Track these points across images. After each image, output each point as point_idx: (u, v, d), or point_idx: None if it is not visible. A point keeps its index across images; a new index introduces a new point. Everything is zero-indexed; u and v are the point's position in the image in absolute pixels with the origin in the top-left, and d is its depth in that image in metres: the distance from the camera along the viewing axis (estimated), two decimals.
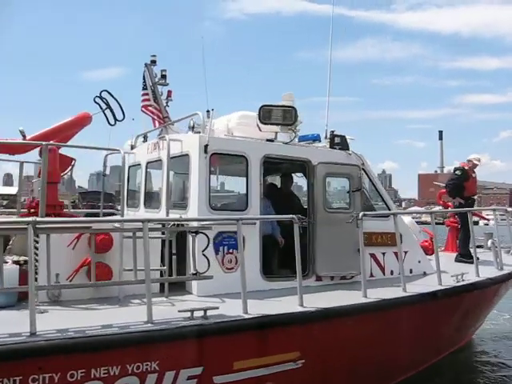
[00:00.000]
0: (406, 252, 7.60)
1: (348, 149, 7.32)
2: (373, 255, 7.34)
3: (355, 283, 6.98)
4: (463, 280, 7.19)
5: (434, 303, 6.62)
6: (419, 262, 7.78)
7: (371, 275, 7.30)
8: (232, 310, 5.20)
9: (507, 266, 8.68)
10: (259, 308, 5.37)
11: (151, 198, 7.88)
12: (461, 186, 9.74)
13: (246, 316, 5.14)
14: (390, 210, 7.60)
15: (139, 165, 8.08)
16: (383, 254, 7.41)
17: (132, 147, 8.63)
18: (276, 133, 7.06)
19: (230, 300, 5.64)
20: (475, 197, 10.26)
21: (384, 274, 7.41)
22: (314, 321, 5.51)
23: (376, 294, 6.20)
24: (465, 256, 9.27)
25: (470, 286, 7.15)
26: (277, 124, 6.92)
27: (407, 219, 9.58)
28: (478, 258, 9.36)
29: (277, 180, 8.75)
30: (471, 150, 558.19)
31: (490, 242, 8.51)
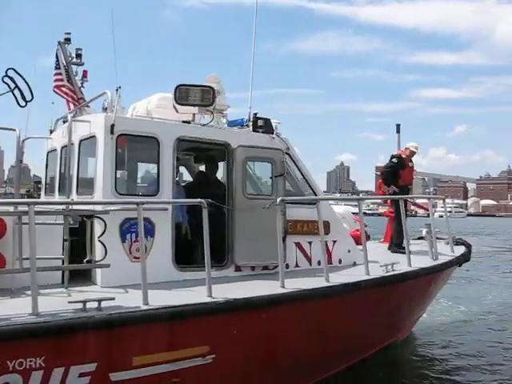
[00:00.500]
0: (334, 241, 7.33)
1: (272, 132, 6.93)
2: (298, 244, 6.99)
3: (278, 274, 6.63)
4: (393, 270, 6.92)
5: (359, 294, 6.30)
6: (349, 251, 7.49)
7: (296, 265, 6.97)
8: (132, 301, 4.78)
9: (444, 255, 8.54)
10: (165, 299, 4.98)
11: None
12: (396, 175, 9.43)
13: (145, 307, 4.72)
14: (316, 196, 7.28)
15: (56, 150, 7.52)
16: (309, 243, 7.08)
17: (51, 132, 8.11)
18: (194, 114, 6.62)
19: (134, 291, 5.16)
20: (411, 186, 10.06)
21: (311, 264, 7.07)
22: (222, 313, 5.11)
23: (295, 285, 5.85)
24: (399, 246, 9.06)
25: (399, 276, 6.87)
26: (194, 105, 6.47)
27: (341, 208, 9.35)
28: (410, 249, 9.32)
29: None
30: (427, 143, 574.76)
31: (424, 232, 8.28)
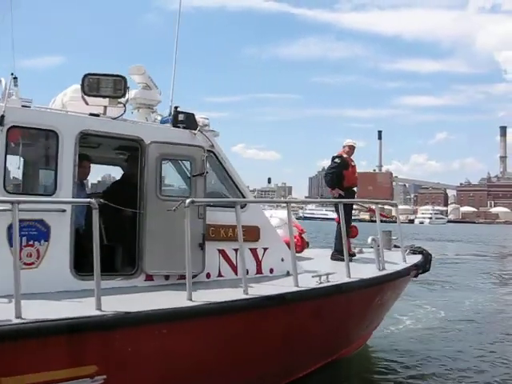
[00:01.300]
0: (265, 248, 6.73)
1: (195, 128, 6.31)
2: (222, 252, 6.36)
3: (197, 283, 6.00)
4: (328, 281, 6.32)
5: (282, 308, 5.69)
6: (282, 260, 6.84)
7: (219, 275, 6.34)
8: (6, 313, 4.14)
9: (395, 265, 7.99)
10: (46, 311, 4.36)
11: None
12: (340, 176, 8.84)
13: (17, 321, 4.08)
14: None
15: None
16: (236, 250, 6.45)
17: None
18: (105, 107, 5.97)
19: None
20: (355, 188, 9.46)
21: (236, 273, 6.45)
22: (113, 328, 4.48)
23: (207, 297, 5.23)
24: (341, 253, 8.52)
25: (333, 288, 6.24)
26: (103, 96, 5.83)
27: (278, 212, 8.75)
28: (353, 255, 8.75)
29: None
30: (408, 150, 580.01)
31: (370, 239, 7.66)
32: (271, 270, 6.74)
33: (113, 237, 5.99)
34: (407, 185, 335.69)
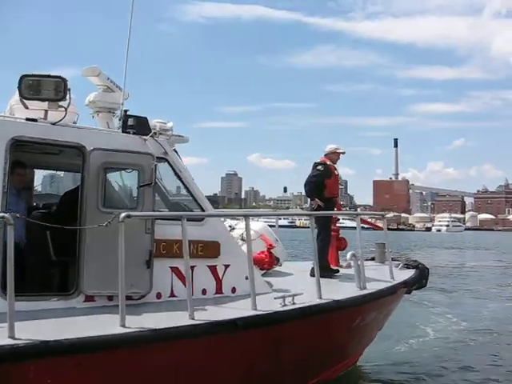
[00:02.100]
0: (226, 266, 6.12)
1: (146, 133, 5.76)
2: (175, 269, 5.77)
3: (144, 305, 5.44)
4: (293, 303, 5.69)
5: (233, 335, 5.05)
6: (247, 278, 6.22)
7: (172, 295, 5.75)
8: None
9: (380, 282, 7.33)
10: None
11: None
12: (321, 185, 8.05)
13: None
14: (204, 212, 6.08)
15: None
16: (191, 267, 5.85)
17: None
18: (46, 111, 5.47)
19: None
20: (338, 198, 8.71)
21: (192, 293, 5.85)
22: (25, 358, 3.94)
23: (145, 322, 4.66)
24: (322, 269, 7.87)
25: (297, 311, 5.58)
26: (43, 99, 5.33)
27: (259, 224, 8.12)
28: (337, 271, 8.10)
29: None
30: (425, 157, 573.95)
31: (349, 255, 6.98)
32: (233, 290, 6.12)
33: (61, 252, 5.49)
34: (424, 192, 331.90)
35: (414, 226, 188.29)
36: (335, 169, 8.32)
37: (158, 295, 5.61)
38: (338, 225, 9.58)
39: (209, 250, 5.91)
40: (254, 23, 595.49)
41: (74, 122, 6.20)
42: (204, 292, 5.92)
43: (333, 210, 8.49)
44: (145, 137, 5.70)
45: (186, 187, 6.01)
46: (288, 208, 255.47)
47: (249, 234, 5.55)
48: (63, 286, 5.49)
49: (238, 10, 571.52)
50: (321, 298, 5.99)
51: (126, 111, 5.81)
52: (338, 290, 6.68)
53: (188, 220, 5.83)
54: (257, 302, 5.51)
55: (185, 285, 5.75)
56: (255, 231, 7.75)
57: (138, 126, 5.74)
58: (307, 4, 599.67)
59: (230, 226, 8.07)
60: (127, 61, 6.08)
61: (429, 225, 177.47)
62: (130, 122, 5.71)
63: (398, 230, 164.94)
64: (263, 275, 7.53)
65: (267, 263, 6.43)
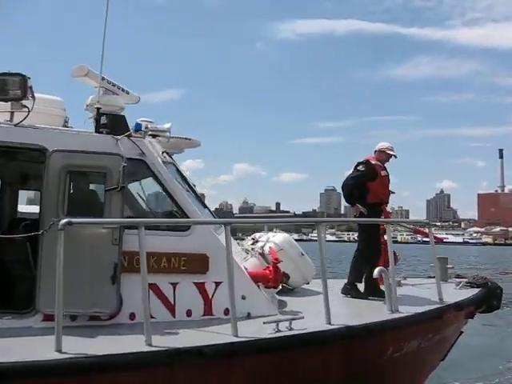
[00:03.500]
0: (217, 283, 5.24)
1: (123, 133, 5.14)
2: (153, 287, 4.99)
3: (113, 327, 4.74)
4: (290, 329, 4.67)
5: (196, 366, 4.19)
6: (243, 298, 5.27)
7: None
8: None
9: (426, 304, 6.05)
10: None
11: None
12: (364, 188, 6.84)
13: None
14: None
15: None
16: (173, 284, 5.08)
17: None
18: (11, 113, 5.06)
19: None
20: (388, 205, 7.38)
21: (174, 314, 5.05)
22: None
23: (87, 348, 3.97)
24: (355, 287, 6.67)
25: (289, 339, 4.54)
26: (5, 100, 4.91)
27: (280, 236, 7.12)
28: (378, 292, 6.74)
29: None
30: None
31: (376, 271, 5.75)
32: (226, 311, 5.21)
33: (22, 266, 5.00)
34: None
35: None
36: (383, 169, 6.98)
37: (132, 316, 4.87)
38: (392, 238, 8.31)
39: (195, 264, 5.10)
40: (349, 37, 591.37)
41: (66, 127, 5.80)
42: (189, 313, 5.09)
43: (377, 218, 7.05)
44: (117, 137, 5.06)
45: (165, 191, 5.27)
46: None
47: (229, 244, 4.65)
48: (20, 303, 4.95)
49: (332, 24, 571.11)
50: (330, 323, 4.90)
51: (98, 109, 5.24)
52: (361, 315, 5.51)
53: (170, 230, 5.13)
54: (245, 327, 4.60)
55: (165, 305, 5.03)
56: (275, 244, 6.83)
57: (113, 124, 5.16)
58: (404, 15, 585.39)
59: (253, 239, 7.24)
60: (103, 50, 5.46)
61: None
62: (103, 120, 5.13)
63: (505, 245, 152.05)
64: (283, 293, 6.59)
65: (272, 280, 5.42)
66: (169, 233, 5.07)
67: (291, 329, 4.67)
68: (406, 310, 5.65)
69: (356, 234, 7.71)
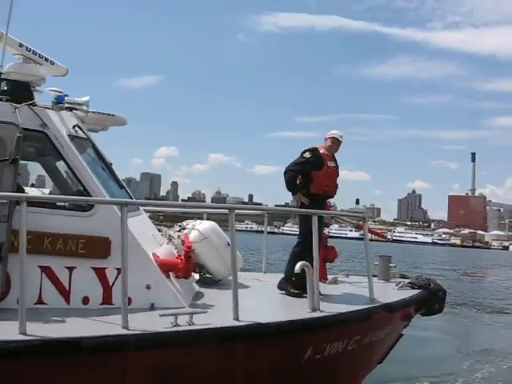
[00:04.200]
0: (120, 269, 4.87)
1: (26, 101, 4.71)
2: (46, 270, 4.62)
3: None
4: (191, 324, 4.34)
5: (69, 360, 3.82)
6: (148, 287, 4.94)
7: (40, 301, 4.59)
8: None
9: (354, 303, 5.79)
10: None
11: None
12: (308, 177, 6.34)
13: None
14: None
15: None
16: (69, 269, 4.69)
17: None
18: None
19: None
20: (332, 199, 6.98)
21: (68, 301, 4.67)
22: None
23: None
24: (289, 282, 6.24)
25: (180, 335, 4.21)
26: None
27: (206, 224, 6.76)
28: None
29: None
30: (504, 173, 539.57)
31: (298, 266, 5.42)
32: (128, 301, 4.85)
33: None
34: (502, 209, 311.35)
35: (490, 244, 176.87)
36: (331, 159, 6.48)
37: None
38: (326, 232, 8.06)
39: (94, 247, 4.72)
40: (331, 33, 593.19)
41: None
42: (85, 301, 4.71)
43: (319, 209, 6.35)
44: (16, 105, 4.63)
45: (68, 166, 4.89)
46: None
47: (124, 226, 4.27)
48: None
49: (314, 20, 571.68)
50: (238, 319, 4.59)
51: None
52: (277, 312, 5.23)
53: (71, 209, 4.73)
54: (141, 319, 4.26)
55: (59, 290, 4.64)
56: (199, 232, 6.49)
57: (14, 92, 4.73)
58: (386, 14, 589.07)
59: (179, 226, 6.87)
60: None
61: (506, 243, 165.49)
62: (3, 86, 4.67)
63: (473, 247, 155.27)
64: (207, 285, 6.28)
65: (182, 270, 5.06)
66: (67, 212, 4.68)
67: (191, 323, 4.36)
68: (329, 309, 5.37)
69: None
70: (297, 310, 5.39)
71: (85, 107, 5.63)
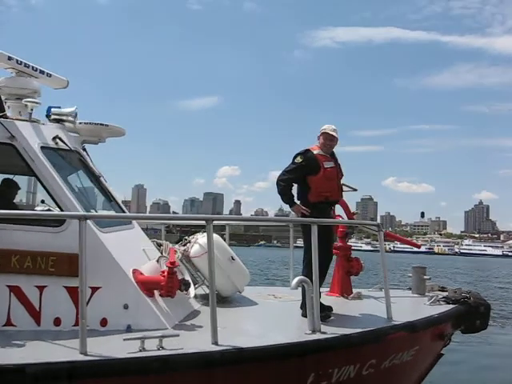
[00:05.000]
0: (94, 288, 4.52)
1: None
2: (15, 289, 4.35)
3: None
4: (160, 348, 3.90)
5: None
6: (126, 307, 4.55)
7: (9, 323, 4.31)
8: None
9: (371, 322, 5.20)
10: None
11: None
12: (303, 184, 5.59)
13: None
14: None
15: None
16: (39, 288, 4.40)
17: None
18: None
19: None
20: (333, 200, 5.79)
21: (39, 323, 4.37)
22: None
23: None
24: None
25: (142, 362, 3.77)
26: None
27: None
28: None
29: None
30: None
31: (295, 281, 4.77)
32: (104, 322, 4.49)
33: None
34: None
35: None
36: (327, 159, 5.63)
37: None
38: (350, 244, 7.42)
39: (65, 265, 4.41)
40: (388, 45, 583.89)
41: None
42: (57, 322, 4.39)
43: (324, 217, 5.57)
44: None
45: (38, 180, 4.64)
46: (426, 234, 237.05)
47: (82, 241, 3.92)
48: None
49: (371, 32, 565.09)
50: (217, 343, 4.10)
51: None
52: (268, 335, 4.67)
53: (40, 224, 4.46)
54: (105, 343, 3.91)
55: (29, 311, 4.37)
56: (200, 245, 6.08)
57: None
58: (443, 22, 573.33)
59: (185, 240, 6.50)
60: None
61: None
62: None
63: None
64: (223, 300, 5.90)
65: (164, 288, 4.63)
66: (36, 228, 4.41)
67: (161, 348, 3.91)
68: (333, 331, 4.76)
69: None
70: (295, 331, 4.81)
71: (70, 118, 5.45)
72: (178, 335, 4.04)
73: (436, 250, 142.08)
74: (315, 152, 5.63)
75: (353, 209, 7.51)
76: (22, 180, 5.79)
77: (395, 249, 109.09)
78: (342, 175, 5.96)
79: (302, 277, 4.82)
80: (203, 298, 6.22)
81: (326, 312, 5.28)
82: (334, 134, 5.69)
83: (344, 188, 7.49)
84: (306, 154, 5.60)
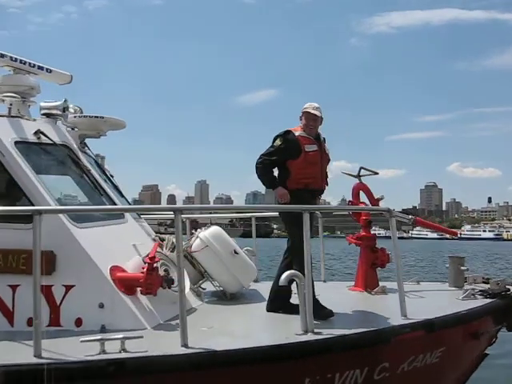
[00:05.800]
0: (68, 287, 4.33)
1: None
2: None
3: None
4: (122, 351, 3.63)
5: None
6: (101, 306, 4.29)
7: None
8: None
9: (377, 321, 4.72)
10: None
11: None
12: (283, 169, 5.11)
13: None
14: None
15: None
16: (12, 287, 4.28)
17: None
18: None
19: None
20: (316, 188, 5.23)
21: (12, 323, 4.25)
22: None
23: None
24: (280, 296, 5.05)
25: (99, 365, 3.53)
26: None
27: (209, 229, 5.98)
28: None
29: None
30: None
31: (283, 278, 4.30)
32: (78, 322, 4.29)
33: None
34: None
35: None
36: (311, 143, 5.10)
37: None
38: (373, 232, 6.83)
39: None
40: (447, 27, 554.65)
41: None
42: (31, 323, 4.21)
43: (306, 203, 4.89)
44: None
45: (9, 175, 4.50)
46: (494, 220, 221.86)
47: (37, 237, 3.71)
48: None
49: (428, 15, 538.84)
50: (186, 345, 3.77)
51: None
52: (265, 334, 4.26)
53: (9, 221, 4.34)
54: (68, 344, 3.70)
55: (2, 310, 4.26)
56: (200, 239, 5.78)
57: None
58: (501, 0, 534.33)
59: (192, 233, 6.26)
60: None
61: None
62: None
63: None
64: (231, 297, 5.73)
65: (143, 285, 4.34)
66: (6, 225, 4.27)
67: (123, 350, 3.64)
68: (329, 332, 4.27)
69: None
70: (286, 332, 4.34)
71: (57, 111, 5.31)
72: (141, 337, 3.73)
73: (505, 236, 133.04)
74: (297, 133, 5.10)
75: (377, 195, 6.91)
76: None
77: (462, 235, 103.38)
78: (329, 160, 5.40)
79: (293, 271, 4.36)
80: (212, 295, 5.95)
81: (325, 310, 4.81)
82: (316, 112, 5.13)
83: (364, 172, 6.95)
84: (286, 135, 5.10)
